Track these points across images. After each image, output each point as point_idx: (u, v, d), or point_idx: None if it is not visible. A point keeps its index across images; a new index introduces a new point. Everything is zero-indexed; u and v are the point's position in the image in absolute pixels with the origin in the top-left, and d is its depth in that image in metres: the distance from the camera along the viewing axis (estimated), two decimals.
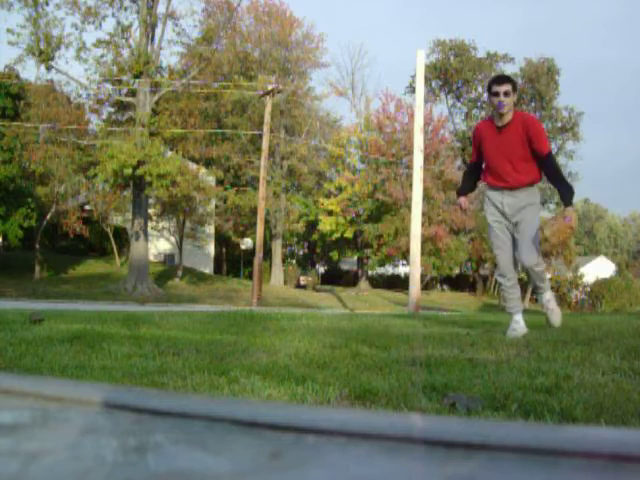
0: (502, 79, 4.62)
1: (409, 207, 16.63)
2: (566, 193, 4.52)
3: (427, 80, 35.96)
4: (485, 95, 44.93)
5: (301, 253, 48.78)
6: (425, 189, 21.46)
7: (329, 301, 28.31)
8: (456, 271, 39.08)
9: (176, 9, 25.87)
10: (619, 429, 0.45)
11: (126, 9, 22.63)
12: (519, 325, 4.76)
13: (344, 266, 48.61)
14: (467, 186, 5.07)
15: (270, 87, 23.84)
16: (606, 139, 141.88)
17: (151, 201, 26.21)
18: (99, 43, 22.40)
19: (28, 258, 26.94)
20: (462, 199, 4.98)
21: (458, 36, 43.19)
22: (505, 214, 4.67)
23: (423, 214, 17.47)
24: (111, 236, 29.92)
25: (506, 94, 4.44)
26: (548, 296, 4.98)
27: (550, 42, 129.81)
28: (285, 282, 36.31)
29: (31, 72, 69.22)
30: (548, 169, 4.61)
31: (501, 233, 4.73)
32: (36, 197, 25.80)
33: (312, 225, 39.40)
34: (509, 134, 4.52)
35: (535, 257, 4.65)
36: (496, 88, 4.47)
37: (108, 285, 23.73)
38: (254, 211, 29.84)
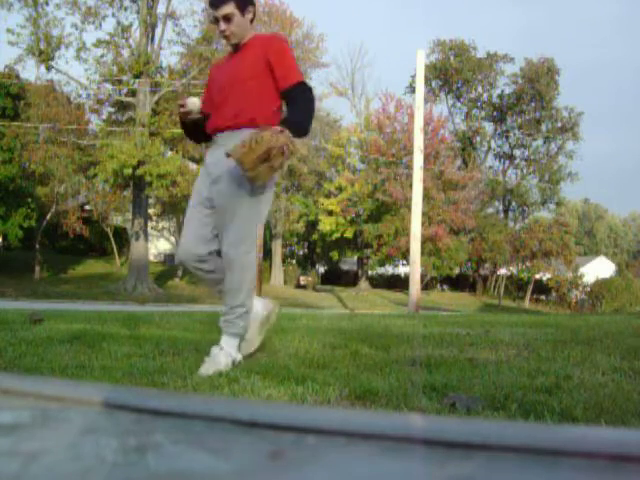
0: None
1: (409, 207, 16.61)
2: (295, 118, 3.08)
3: (427, 80, 35.95)
4: (485, 95, 44.89)
5: (301, 253, 48.76)
6: (425, 189, 21.45)
7: (329, 301, 28.29)
8: (456, 271, 39.06)
9: (176, 9, 25.85)
10: (619, 429, 0.45)
11: (126, 9, 22.66)
12: (216, 351, 3.17)
13: (344, 266, 48.59)
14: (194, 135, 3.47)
15: None
16: (606, 139, 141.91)
17: (151, 201, 26.22)
18: (99, 43, 22.42)
19: (28, 258, 26.94)
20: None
21: (458, 36, 43.20)
22: (210, 176, 3.18)
23: (423, 214, 17.44)
24: (111, 236, 29.92)
25: (227, 19, 3.14)
26: (238, 312, 3.15)
27: (550, 42, 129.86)
28: (285, 282, 36.32)
29: (31, 72, 69.15)
30: (293, 103, 3.14)
31: (196, 205, 3.25)
32: (36, 197, 25.81)
33: (312, 225, 39.39)
34: (239, 58, 3.23)
35: (242, 246, 3.10)
36: (214, 13, 3.19)
37: (108, 285, 23.74)
38: None
